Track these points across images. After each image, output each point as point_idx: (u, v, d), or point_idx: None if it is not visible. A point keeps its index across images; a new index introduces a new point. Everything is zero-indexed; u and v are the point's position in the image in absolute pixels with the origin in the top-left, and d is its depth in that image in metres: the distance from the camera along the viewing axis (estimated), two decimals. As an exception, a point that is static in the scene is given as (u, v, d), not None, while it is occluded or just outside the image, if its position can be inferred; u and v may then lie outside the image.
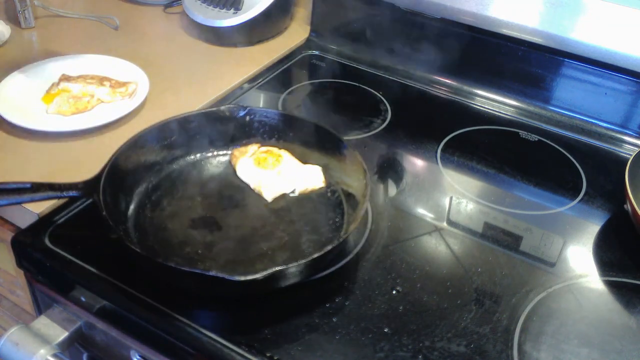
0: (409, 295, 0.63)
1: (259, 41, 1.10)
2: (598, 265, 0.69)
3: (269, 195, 0.72)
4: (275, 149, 0.77)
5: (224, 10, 1.05)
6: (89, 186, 0.64)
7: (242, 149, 0.77)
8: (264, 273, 0.54)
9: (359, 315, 0.60)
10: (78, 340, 0.67)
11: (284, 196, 0.73)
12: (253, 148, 0.77)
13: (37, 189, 0.62)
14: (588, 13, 0.87)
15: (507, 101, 0.99)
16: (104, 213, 0.60)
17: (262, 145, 0.78)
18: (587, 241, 0.73)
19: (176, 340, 0.58)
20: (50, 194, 0.63)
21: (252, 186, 0.73)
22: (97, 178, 0.64)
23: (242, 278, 0.54)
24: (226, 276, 0.54)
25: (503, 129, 0.93)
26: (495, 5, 0.93)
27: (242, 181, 0.74)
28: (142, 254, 0.58)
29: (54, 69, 0.93)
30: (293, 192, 0.73)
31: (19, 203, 0.64)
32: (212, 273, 0.55)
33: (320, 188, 0.73)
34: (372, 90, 1.00)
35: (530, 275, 0.67)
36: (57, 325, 0.64)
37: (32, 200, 0.62)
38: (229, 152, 0.78)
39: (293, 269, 0.57)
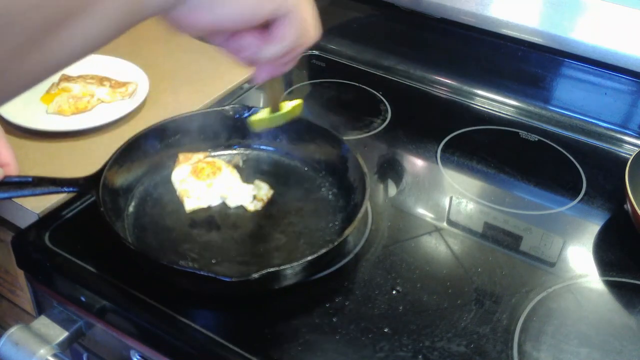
0: (409, 295, 0.63)
1: (259, 41, 1.10)
2: (598, 265, 0.69)
3: (188, 206, 0.70)
4: (220, 163, 0.74)
5: (224, 10, 1.05)
6: (89, 182, 0.64)
7: (188, 154, 0.75)
8: (256, 274, 0.54)
9: (359, 315, 0.60)
10: (78, 340, 0.67)
11: (283, 197, 0.73)
12: (198, 156, 0.75)
13: (38, 183, 0.62)
14: (588, 13, 0.87)
15: (507, 101, 0.99)
16: (102, 209, 0.60)
17: (211, 155, 0.76)
18: (587, 241, 0.73)
19: (176, 340, 0.58)
20: (52, 188, 0.63)
21: (177, 192, 0.71)
22: (97, 175, 0.64)
23: (234, 279, 0.54)
24: (218, 276, 0.54)
25: (503, 129, 0.93)
26: (495, 5, 0.93)
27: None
28: (136, 250, 0.58)
29: (54, 69, 0.92)
30: (215, 206, 0.71)
31: (20, 196, 0.64)
32: (204, 272, 0.55)
33: (255, 210, 0.70)
34: (372, 90, 1.00)
35: (530, 275, 0.67)
36: (57, 325, 0.64)
37: (33, 194, 0.62)
38: (231, 152, 0.78)
39: (287, 271, 0.57)
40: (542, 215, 0.76)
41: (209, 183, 0.71)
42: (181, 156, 0.75)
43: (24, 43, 0.32)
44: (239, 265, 0.63)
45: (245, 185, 0.73)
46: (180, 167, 0.74)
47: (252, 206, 0.71)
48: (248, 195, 0.71)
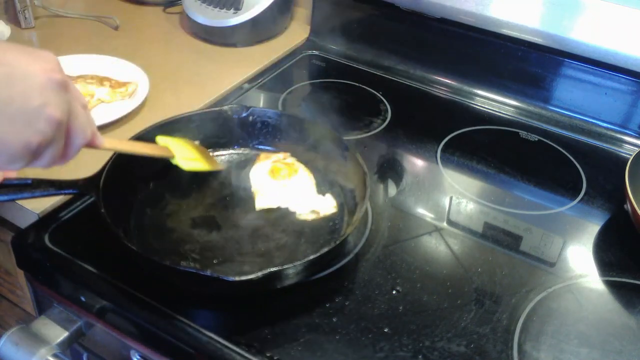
0: (409, 295, 0.63)
1: (259, 41, 1.10)
2: (598, 265, 0.69)
3: (260, 204, 0.71)
4: (298, 165, 0.75)
5: (224, 10, 1.05)
6: (88, 184, 0.64)
7: (269, 154, 0.77)
8: (259, 274, 0.54)
9: (359, 315, 0.60)
10: (78, 340, 0.67)
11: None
12: (279, 156, 0.76)
13: (37, 185, 0.62)
14: (588, 13, 0.87)
15: (507, 101, 0.99)
16: (102, 211, 0.60)
17: (292, 155, 0.77)
18: (587, 241, 0.73)
19: (176, 340, 0.58)
20: (51, 190, 0.63)
21: (252, 188, 0.73)
22: (97, 176, 0.64)
23: (237, 278, 0.54)
24: (221, 276, 0.54)
25: (503, 129, 0.93)
26: (495, 5, 0.93)
27: (244, 181, 0.74)
28: (138, 251, 0.58)
29: (54, 69, 0.92)
30: (283, 208, 0.71)
31: (19, 199, 0.64)
32: (208, 273, 0.55)
33: (313, 220, 0.70)
34: (372, 90, 1.00)
35: (530, 275, 0.67)
36: (57, 325, 0.64)
37: (32, 197, 0.62)
38: (231, 152, 0.78)
39: (289, 270, 0.57)
40: (542, 215, 0.76)
41: (283, 184, 0.72)
42: (263, 154, 0.76)
43: None
44: (240, 265, 0.63)
45: (315, 195, 0.72)
46: (260, 163, 0.75)
47: (303, 216, 0.70)
48: (309, 206, 0.71)
